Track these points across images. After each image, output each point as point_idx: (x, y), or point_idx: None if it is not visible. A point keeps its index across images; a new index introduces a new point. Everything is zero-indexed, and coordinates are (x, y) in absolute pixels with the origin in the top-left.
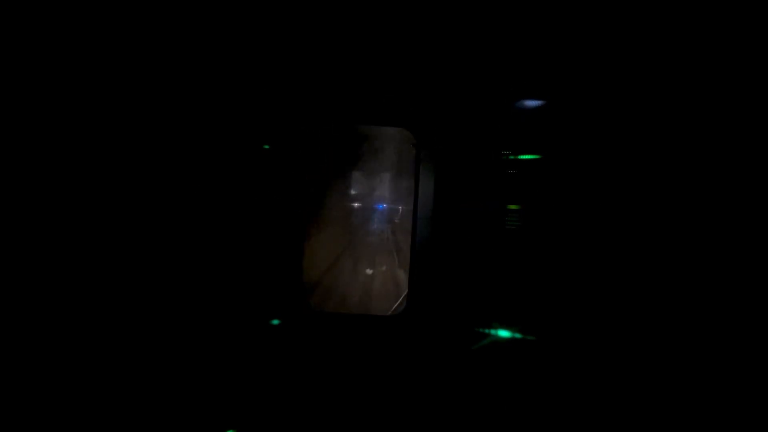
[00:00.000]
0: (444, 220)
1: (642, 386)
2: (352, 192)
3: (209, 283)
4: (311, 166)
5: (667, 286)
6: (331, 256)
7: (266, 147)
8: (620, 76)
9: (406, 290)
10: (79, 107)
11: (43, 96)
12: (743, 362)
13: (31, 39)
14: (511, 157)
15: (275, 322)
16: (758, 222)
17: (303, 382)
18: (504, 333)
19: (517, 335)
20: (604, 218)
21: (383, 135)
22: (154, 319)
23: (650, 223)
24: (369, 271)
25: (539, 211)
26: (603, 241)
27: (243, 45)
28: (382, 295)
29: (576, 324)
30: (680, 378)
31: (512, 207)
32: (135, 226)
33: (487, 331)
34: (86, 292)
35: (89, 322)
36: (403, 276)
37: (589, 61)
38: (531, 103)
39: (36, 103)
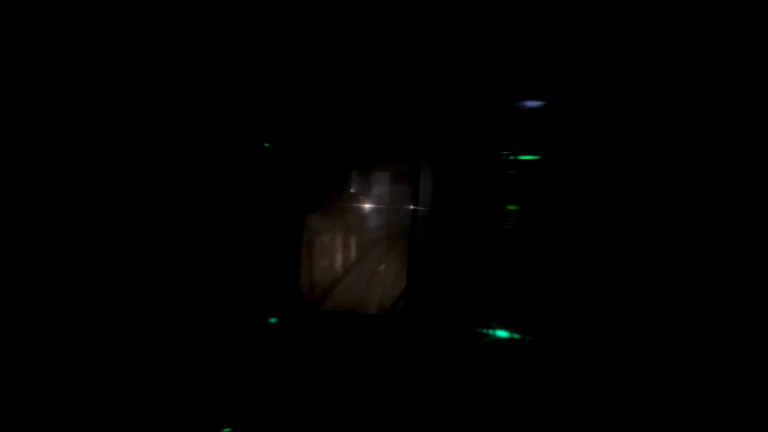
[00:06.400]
0: (443, 220)
1: (640, 386)
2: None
3: (207, 281)
4: (311, 163)
5: (666, 287)
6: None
7: (266, 145)
8: (620, 77)
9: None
10: (76, 105)
11: (42, 95)
12: (742, 362)
13: (31, 39)
14: (511, 157)
15: (273, 320)
16: (758, 223)
17: (300, 381)
18: (502, 333)
19: (516, 335)
20: (603, 219)
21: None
22: (151, 318)
23: (649, 224)
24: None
25: (538, 212)
26: (602, 242)
27: (244, 44)
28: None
29: (574, 324)
30: (679, 378)
31: (511, 207)
32: (134, 224)
33: (485, 330)
34: (84, 289)
35: (87, 320)
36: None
37: (589, 61)
38: (531, 104)
39: (36, 102)
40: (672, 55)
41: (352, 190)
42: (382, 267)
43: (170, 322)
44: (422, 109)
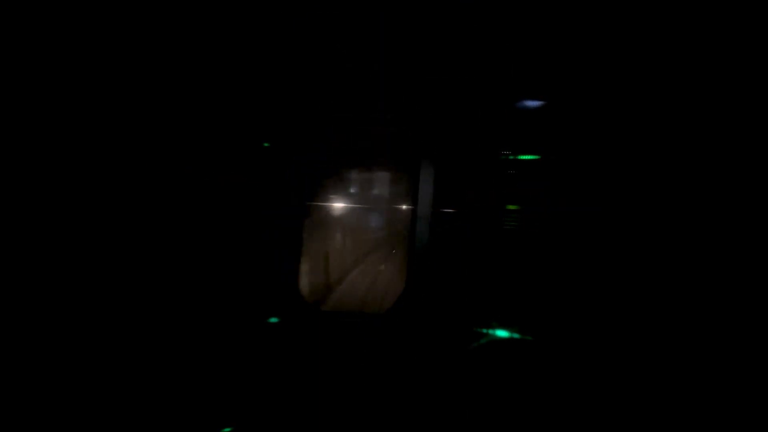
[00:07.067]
0: (442, 220)
1: (640, 386)
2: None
3: (207, 281)
4: (311, 163)
5: (666, 288)
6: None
7: (266, 145)
8: (621, 77)
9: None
10: (77, 105)
11: (42, 95)
12: (743, 363)
13: (31, 39)
14: (511, 157)
15: (273, 320)
16: (758, 224)
17: (300, 381)
18: (502, 333)
19: (515, 335)
20: (603, 219)
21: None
22: (151, 318)
23: (649, 224)
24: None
25: (538, 212)
26: (601, 243)
27: (243, 43)
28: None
29: (574, 324)
30: (679, 379)
31: (511, 207)
32: (133, 224)
33: (485, 330)
34: (83, 289)
35: (87, 320)
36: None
37: (589, 61)
38: (531, 103)
39: (36, 102)
40: (672, 55)
41: (352, 190)
42: (383, 267)
43: (170, 322)
44: (422, 109)
